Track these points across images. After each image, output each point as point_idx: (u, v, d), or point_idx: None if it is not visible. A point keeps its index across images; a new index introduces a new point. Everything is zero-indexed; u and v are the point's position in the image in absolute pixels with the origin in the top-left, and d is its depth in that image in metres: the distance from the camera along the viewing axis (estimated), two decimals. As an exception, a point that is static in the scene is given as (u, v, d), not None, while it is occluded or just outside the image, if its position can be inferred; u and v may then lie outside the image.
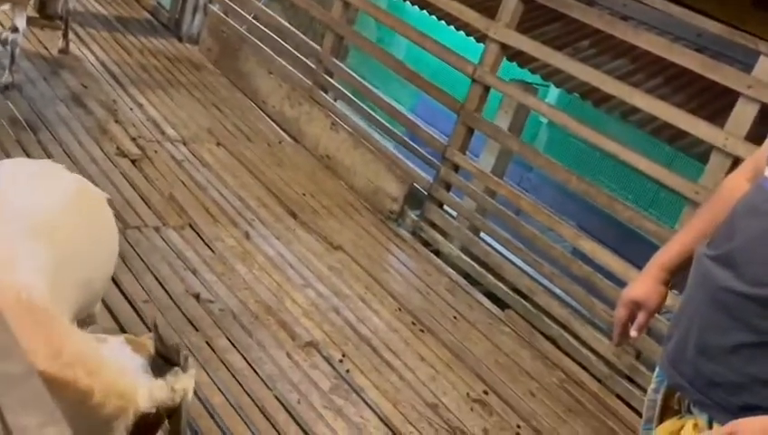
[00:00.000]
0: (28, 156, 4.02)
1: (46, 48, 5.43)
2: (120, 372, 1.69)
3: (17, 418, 0.55)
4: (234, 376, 3.09)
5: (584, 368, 3.93)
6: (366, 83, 5.23)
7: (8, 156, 3.92)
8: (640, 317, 1.87)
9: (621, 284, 3.54)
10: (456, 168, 4.60)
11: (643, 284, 1.87)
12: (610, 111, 4.23)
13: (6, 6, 4.74)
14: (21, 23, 4.61)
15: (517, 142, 4.42)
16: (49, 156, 4.13)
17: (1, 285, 1.51)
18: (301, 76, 5.63)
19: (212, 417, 2.83)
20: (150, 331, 1.91)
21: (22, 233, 1.74)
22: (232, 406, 2.93)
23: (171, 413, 1.85)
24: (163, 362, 1.84)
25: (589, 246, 3.93)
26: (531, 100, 4.31)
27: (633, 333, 1.88)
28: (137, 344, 1.85)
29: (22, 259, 1.65)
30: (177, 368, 1.85)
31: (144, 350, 1.85)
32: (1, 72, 4.71)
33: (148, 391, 1.75)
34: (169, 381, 1.81)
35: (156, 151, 4.64)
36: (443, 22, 5.00)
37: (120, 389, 1.65)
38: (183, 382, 1.86)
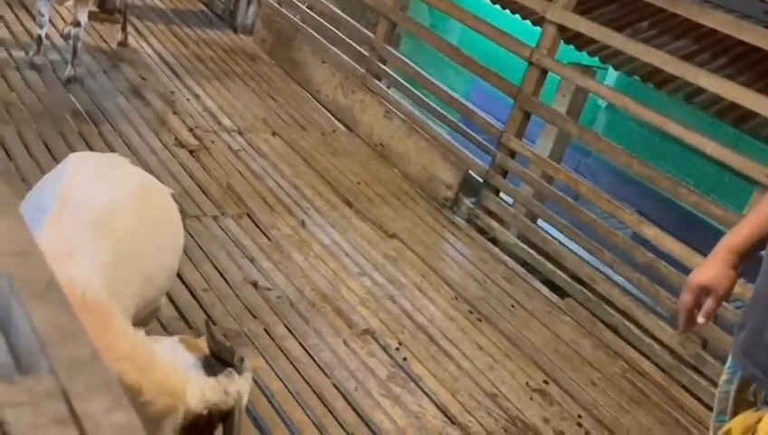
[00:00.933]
0: (90, 148, 4.11)
1: (106, 42, 5.54)
2: (171, 370, 1.67)
3: (84, 403, 0.54)
4: (291, 363, 3.10)
5: (647, 357, 3.83)
6: (420, 70, 5.18)
7: (71, 148, 4.01)
8: (709, 303, 1.77)
9: (686, 270, 3.43)
10: (513, 153, 4.53)
11: (711, 268, 1.78)
12: (673, 93, 4.10)
13: (70, 2, 4.85)
14: (83, 17, 4.71)
15: (576, 126, 4.32)
16: (110, 147, 4.22)
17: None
18: (354, 64, 5.62)
19: (270, 403, 2.85)
20: (209, 321, 1.91)
21: (83, 227, 1.75)
22: (290, 392, 2.95)
23: (225, 417, 1.80)
24: (217, 362, 1.80)
25: (651, 232, 3.82)
26: (590, 82, 4.20)
27: (701, 319, 1.79)
28: (190, 345, 1.83)
29: (80, 254, 1.66)
30: (231, 369, 1.80)
31: (198, 350, 1.82)
32: (64, 66, 4.82)
33: (199, 391, 1.71)
34: (222, 383, 1.77)
35: (213, 142, 4.69)
36: (497, 6, 4.91)
37: (169, 387, 1.64)
38: (237, 385, 1.81)
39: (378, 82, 5.46)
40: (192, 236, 3.71)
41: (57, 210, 1.75)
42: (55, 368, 0.56)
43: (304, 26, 6.09)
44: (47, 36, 4.89)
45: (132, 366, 1.55)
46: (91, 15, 5.11)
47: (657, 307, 3.92)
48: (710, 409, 2.11)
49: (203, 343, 1.86)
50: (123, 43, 5.50)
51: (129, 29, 5.62)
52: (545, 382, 3.50)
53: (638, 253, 3.90)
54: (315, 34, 5.97)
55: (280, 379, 2.99)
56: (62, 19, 5.48)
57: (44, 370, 0.58)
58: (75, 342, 0.59)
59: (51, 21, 5.00)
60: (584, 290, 4.11)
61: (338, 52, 5.75)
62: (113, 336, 1.54)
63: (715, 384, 2.07)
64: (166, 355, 1.71)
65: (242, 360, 1.85)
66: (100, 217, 1.81)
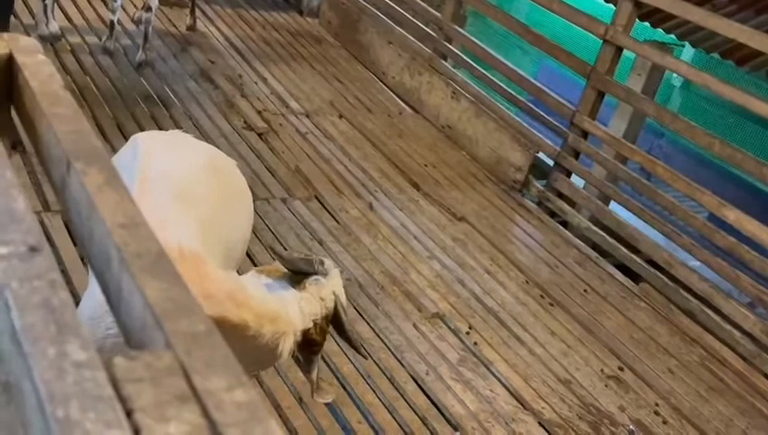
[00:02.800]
0: (161, 130, 4.16)
1: (175, 26, 5.60)
2: (268, 299, 1.72)
3: (204, 380, 0.51)
4: (362, 345, 3.08)
5: (727, 345, 3.69)
6: (489, 49, 5.08)
7: (143, 130, 4.07)
8: None
9: (771, 256, 3.28)
10: (585, 134, 4.40)
11: None
12: (756, 70, 3.93)
13: (141, -13, 4.93)
14: (154, 2, 4.77)
15: (653, 105, 4.17)
16: (181, 131, 4.26)
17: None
18: (420, 45, 5.55)
19: (342, 386, 2.84)
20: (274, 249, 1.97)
21: (167, 201, 1.77)
22: (361, 375, 2.94)
23: (332, 319, 1.86)
24: (300, 276, 1.84)
25: (733, 216, 3.66)
26: (669, 60, 4.04)
27: None
28: (269, 271, 1.88)
29: (172, 225, 1.69)
30: (316, 277, 1.83)
31: (278, 273, 1.87)
32: (135, 51, 4.90)
33: (297, 309, 1.76)
34: (314, 292, 1.81)
35: (281, 124, 4.71)
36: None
37: (270, 314, 1.68)
38: (329, 286, 1.85)
39: (444, 62, 5.38)
40: (262, 219, 3.73)
41: (140, 187, 1.76)
42: (172, 343, 0.54)
43: (370, 7, 6.05)
44: (119, 22, 4.98)
45: (233, 305, 1.58)
46: (161, 0, 5.17)
47: (739, 293, 3.77)
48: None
49: (276, 264, 1.91)
50: (192, 28, 5.56)
51: (198, 13, 5.67)
52: (620, 369, 3.41)
53: (718, 237, 3.75)
54: (381, 15, 5.92)
55: (351, 361, 2.98)
56: (134, 4, 5.57)
57: (160, 345, 0.56)
58: (190, 316, 0.57)
59: (122, 6, 5.08)
60: (660, 275, 3.98)
61: (404, 32, 5.69)
62: (211, 282, 1.58)
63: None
64: (257, 287, 1.75)
65: (321, 262, 1.89)
66: (182, 191, 1.83)
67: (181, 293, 0.58)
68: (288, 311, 1.74)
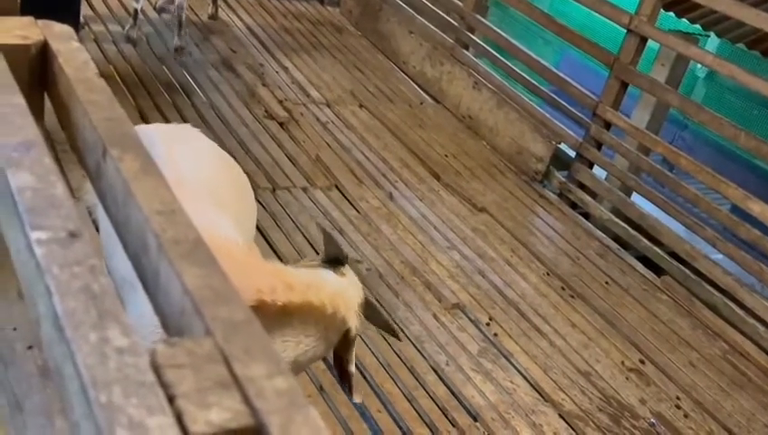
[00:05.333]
0: (183, 119, 4.18)
1: (197, 15, 5.61)
2: (331, 282, 1.82)
3: (244, 367, 0.51)
4: (382, 335, 3.09)
5: (751, 339, 3.66)
6: (511, 39, 5.05)
7: (166, 119, 4.09)
8: None
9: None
10: (608, 125, 4.37)
11: None
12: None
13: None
14: None
15: (677, 96, 4.12)
16: (203, 119, 4.28)
17: (219, 242, 1.62)
18: (442, 35, 5.52)
19: (363, 375, 2.85)
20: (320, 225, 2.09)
21: (207, 202, 1.81)
22: (381, 364, 2.94)
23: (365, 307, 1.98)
24: (335, 265, 1.94)
25: (758, 208, 3.62)
26: (694, 50, 3.99)
27: None
28: (304, 265, 1.99)
29: (224, 225, 1.75)
30: (347, 265, 1.96)
31: (311, 265, 1.96)
32: (157, 40, 4.91)
33: (353, 289, 1.89)
34: (353, 279, 1.94)
35: (302, 114, 4.71)
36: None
37: (340, 295, 1.78)
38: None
39: (466, 52, 5.35)
40: (283, 208, 3.74)
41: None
42: (212, 330, 0.54)
43: (391, -3, 6.02)
44: (142, 10, 4.99)
45: (312, 291, 1.68)
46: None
47: (762, 287, 3.73)
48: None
49: (309, 261, 2.03)
50: (214, 17, 5.57)
51: (219, 2, 5.68)
52: (641, 362, 3.39)
53: (742, 229, 3.71)
54: (402, 4, 5.89)
55: (371, 351, 2.99)
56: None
57: (200, 332, 0.56)
58: (229, 303, 0.57)
59: (145, -5, 5.10)
60: (682, 267, 3.95)
61: (425, 22, 5.66)
62: (286, 274, 1.68)
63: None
64: (314, 274, 1.85)
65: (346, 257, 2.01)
66: (213, 191, 1.87)
67: (220, 280, 0.59)
68: (348, 291, 1.86)
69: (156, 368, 0.51)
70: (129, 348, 0.52)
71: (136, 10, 4.86)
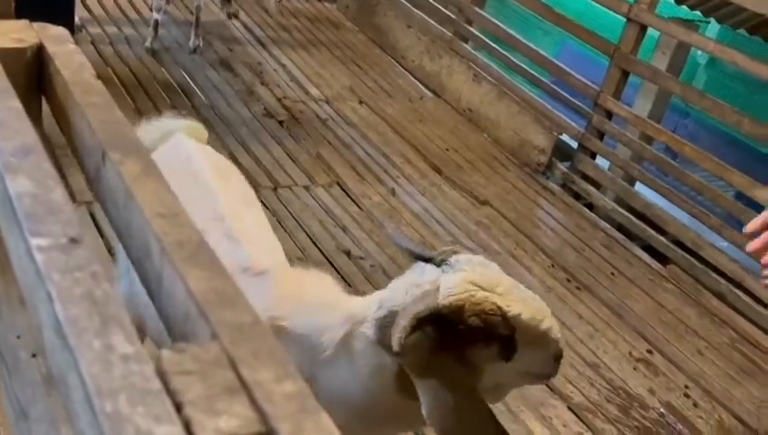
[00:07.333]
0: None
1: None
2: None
3: (252, 372, 0.50)
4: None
5: (759, 326, 3.64)
6: (510, 31, 5.02)
7: (166, 120, 4.07)
8: None
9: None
10: (610, 115, 4.34)
11: None
12: (785, 46, 3.83)
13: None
14: None
15: (679, 84, 4.10)
16: (203, 120, 4.25)
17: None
18: (440, 28, 5.50)
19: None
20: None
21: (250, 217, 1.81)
22: (389, 361, 2.93)
23: None
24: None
25: (765, 195, 3.59)
26: (695, 37, 3.96)
27: None
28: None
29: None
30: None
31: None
32: (156, 41, 4.89)
33: None
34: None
35: (301, 111, 4.69)
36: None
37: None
38: None
39: (465, 45, 5.33)
40: (285, 206, 3.73)
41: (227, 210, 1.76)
42: (219, 334, 0.53)
43: (388, -9, 5.99)
44: (140, 11, 4.98)
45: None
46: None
47: (769, 274, 3.70)
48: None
49: None
50: (234, 14, 5.56)
51: (217, 0, 5.66)
52: (649, 352, 3.37)
53: (747, 217, 3.68)
54: (399, -1, 5.86)
55: (378, 347, 2.97)
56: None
57: (205, 336, 0.54)
58: (234, 306, 0.56)
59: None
60: (688, 256, 3.93)
61: (423, 16, 5.64)
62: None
63: None
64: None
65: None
66: (245, 200, 1.86)
67: (224, 283, 0.57)
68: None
69: (162, 375, 0.49)
70: (134, 355, 0.50)
71: (156, 21, 4.84)
